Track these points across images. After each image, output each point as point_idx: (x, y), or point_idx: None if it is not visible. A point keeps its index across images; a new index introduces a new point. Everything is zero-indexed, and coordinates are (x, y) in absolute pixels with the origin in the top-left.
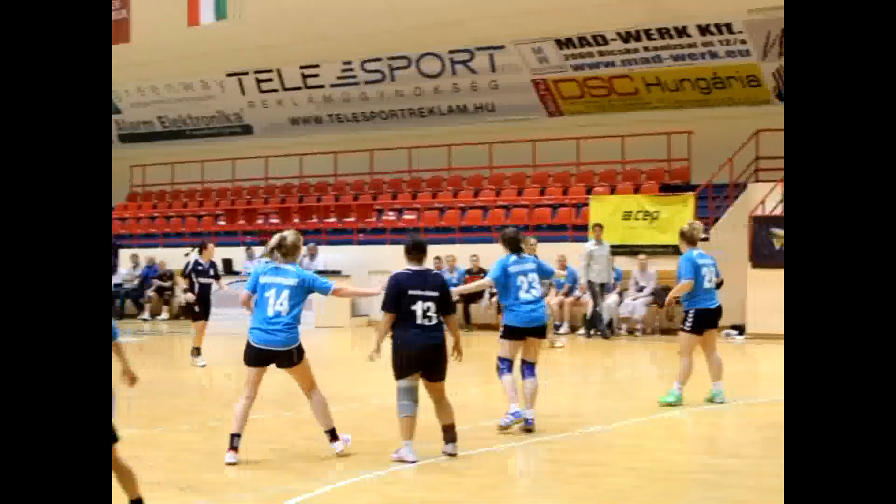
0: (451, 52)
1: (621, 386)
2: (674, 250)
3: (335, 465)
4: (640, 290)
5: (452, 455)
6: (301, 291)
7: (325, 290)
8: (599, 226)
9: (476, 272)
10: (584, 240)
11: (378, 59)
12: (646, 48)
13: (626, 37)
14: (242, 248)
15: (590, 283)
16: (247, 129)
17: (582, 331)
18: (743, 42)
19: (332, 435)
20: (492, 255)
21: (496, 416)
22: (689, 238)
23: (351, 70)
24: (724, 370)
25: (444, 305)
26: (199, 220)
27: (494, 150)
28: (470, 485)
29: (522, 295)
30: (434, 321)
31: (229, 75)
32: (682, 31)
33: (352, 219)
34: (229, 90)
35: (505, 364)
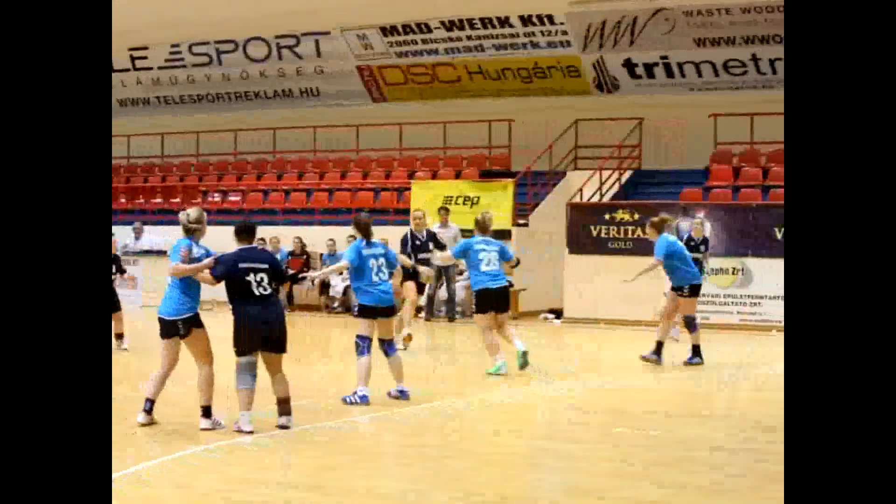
0: (278, 37)
1: (460, 368)
2: (493, 235)
3: (181, 439)
4: (461, 273)
5: (286, 427)
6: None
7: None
8: (445, 209)
9: (300, 254)
10: (405, 224)
11: (206, 43)
12: (469, 37)
13: (450, 26)
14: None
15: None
16: None
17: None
18: (564, 33)
19: (206, 412)
20: (314, 237)
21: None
22: (480, 225)
23: (179, 53)
24: (513, 343)
25: (277, 275)
26: None
27: (319, 134)
28: (309, 465)
29: (374, 277)
30: (269, 291)
31: None
32: (504, 22)
33: (178, 200)
34: None
35: (365, 342)
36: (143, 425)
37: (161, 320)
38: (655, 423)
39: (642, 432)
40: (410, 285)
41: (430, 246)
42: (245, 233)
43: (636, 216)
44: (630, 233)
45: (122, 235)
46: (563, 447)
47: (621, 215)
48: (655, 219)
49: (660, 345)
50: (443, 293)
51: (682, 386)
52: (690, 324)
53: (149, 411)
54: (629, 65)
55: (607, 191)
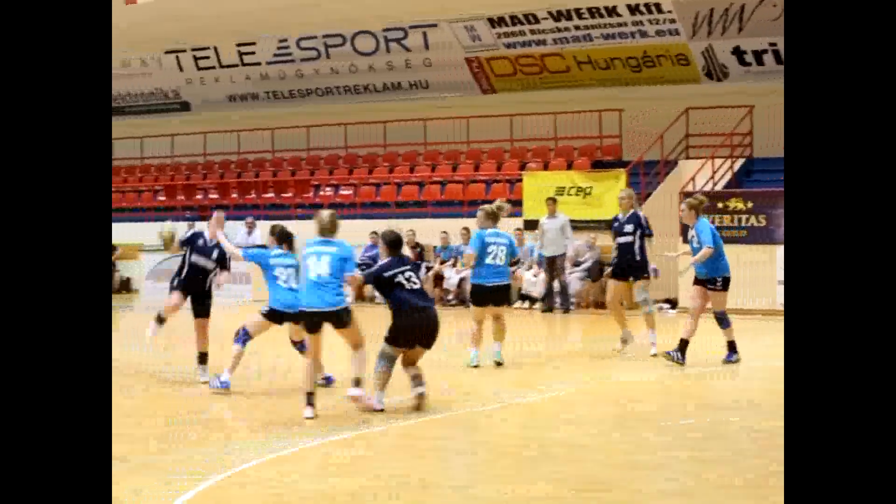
0: (386, 30)
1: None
2: (605, 225)
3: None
4: (577, 264)
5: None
6: None
7: None
8: (552, 199)
9: (413, 247)
10: (518, 215)
11: (313, 37)
12: (577, 27)
13: (558, 15)
14: (185, 224)
15: (540, 257)
16: (185, 106)
17: (518, 303)
18: (672, 21)
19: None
20: (427, 229)
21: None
22: (492, 217)
23: (287, 48)
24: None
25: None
26: (139, 196)
27: (429, 126)
28: (369, 459)
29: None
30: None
31: (167, 52)
32: (612, 11)
33: (289, 194)
34: (167, 67)
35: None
36: (311, 419)
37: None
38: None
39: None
40: None
41: None
42: (395, 245)
43: (750, 205)
44: (744, 221)
45: (233, 230)
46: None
47: (735, 204)
48: (694, 200)
49: (684, 343)
50: (556, 285)
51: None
52: (723, 320)
53: (312, 404)
54: (738, 52)
55: (720, 179)
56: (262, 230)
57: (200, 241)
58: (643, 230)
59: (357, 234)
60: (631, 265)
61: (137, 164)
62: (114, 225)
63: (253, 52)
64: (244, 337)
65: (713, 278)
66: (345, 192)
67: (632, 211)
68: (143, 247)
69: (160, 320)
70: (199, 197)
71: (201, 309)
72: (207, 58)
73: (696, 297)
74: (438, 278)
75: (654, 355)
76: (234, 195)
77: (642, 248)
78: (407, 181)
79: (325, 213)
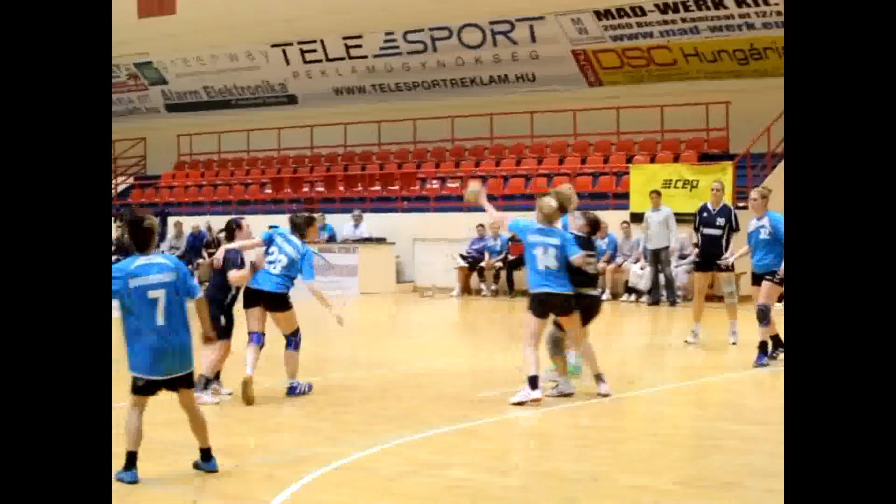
0: (492, 22)
1: (654, 352)
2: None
3: (361, 431)
4: (683, 257)
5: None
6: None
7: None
8: (657, 192)
9: (519, 239)
10: (625, 208)
11: (420, 31)
12: (683, 19)
13: (664, 8)
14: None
15: (645, 250)
16: (292, 99)
17: (625, 297)
18: (779, 14)
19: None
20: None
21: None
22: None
23: (393, 41)
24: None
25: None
26: (246, 189)
27: (535, 119)
28: (492, 447)
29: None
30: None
31: (274, 46)
32: (718, 3)
33: (396, 187)
34: (274, 61)
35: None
36: None
37: None
38: None
39: None
40: None
41: None
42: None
43: None
44: None
45: (339, 223)
46: (747, 429)
47: None
48: (766, 190)
49: (778, 339)
50: (662, 278)
51: None
52: (766, 318)
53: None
54: None
55: None
56: (368, 223)
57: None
58: (732, 224)
59: (463, 227)
60: (717, 257)
61: (244, 157)
62: (222, 218)
63: (360, 46)
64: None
65: (774, 271)
66: (451, 185)
67: (722, 203)
68: None
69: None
70: (305, 190)
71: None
72: (314, 51)
73: (770, 289)
74: None
75: (734, 344)
76: (341, 188)
77: (728, 241)
78: (514, 174)
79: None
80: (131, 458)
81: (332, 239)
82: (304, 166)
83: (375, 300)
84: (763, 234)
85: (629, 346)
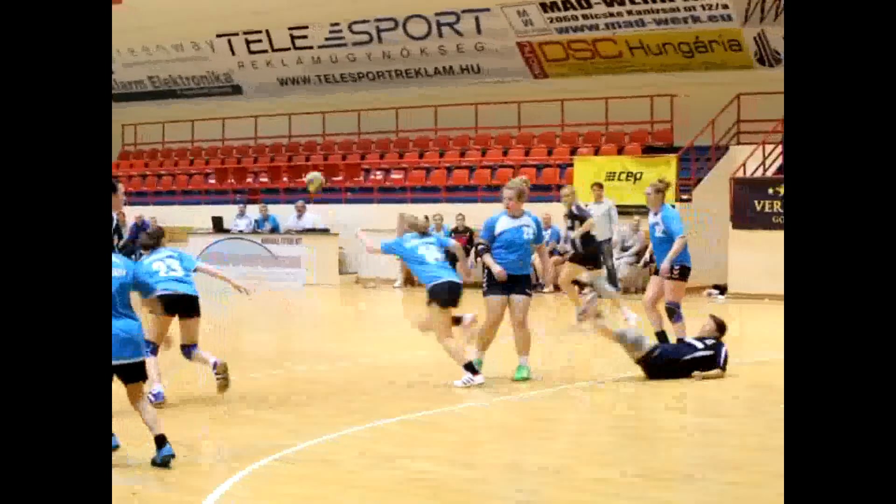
0: (438, 14)
1: (609, 344)
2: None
3: (324, 423)
4: (625, 249)
5: None
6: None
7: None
8: (598, 185)
9: (462, 231)
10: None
11: (365, 21)
12: (629, 12)
13: (610, 0)
14: (235, 207)
15: None
16: (237, 90)
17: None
18: (725, 7)
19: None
20: (478, 214)
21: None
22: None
23: (339, 31)
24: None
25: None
26: (190, 179)
27: (480, 111)
28: (455, 440)
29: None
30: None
31: (219, 36)
32: None
33: (340, 178)
34: (219, 51)
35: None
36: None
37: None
38: None
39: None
40: None
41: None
42: None
43: None
44: None
45: (284, 213)
46: (709, 421)
47: None
48: (661, 183)
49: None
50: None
51: None
52: (675, 313)
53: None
54: None
55: (770, 165)
56: (312, 214)
57: None
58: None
59: None
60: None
61: (189, 148)
62: (165, 208)
63: (305, 36)
64: None
65: (670, 266)
66: (395, 176)
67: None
68: (192, 230)
69: None
70: (249, 180)
71: None
72: (259, 41)
73: (677, 289)
74: None
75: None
76: (285, 179)
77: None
78: (458, 165)
79: None
80: None
81: (274, 230)
82: (248, 157)
83: (322, 291)
84: (658, 232)
85: (581, 338)
